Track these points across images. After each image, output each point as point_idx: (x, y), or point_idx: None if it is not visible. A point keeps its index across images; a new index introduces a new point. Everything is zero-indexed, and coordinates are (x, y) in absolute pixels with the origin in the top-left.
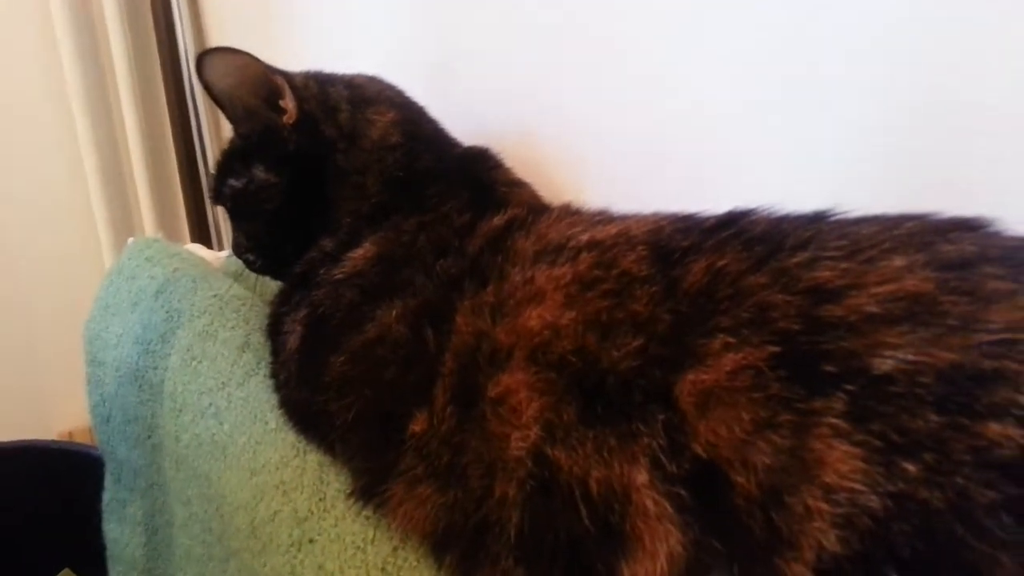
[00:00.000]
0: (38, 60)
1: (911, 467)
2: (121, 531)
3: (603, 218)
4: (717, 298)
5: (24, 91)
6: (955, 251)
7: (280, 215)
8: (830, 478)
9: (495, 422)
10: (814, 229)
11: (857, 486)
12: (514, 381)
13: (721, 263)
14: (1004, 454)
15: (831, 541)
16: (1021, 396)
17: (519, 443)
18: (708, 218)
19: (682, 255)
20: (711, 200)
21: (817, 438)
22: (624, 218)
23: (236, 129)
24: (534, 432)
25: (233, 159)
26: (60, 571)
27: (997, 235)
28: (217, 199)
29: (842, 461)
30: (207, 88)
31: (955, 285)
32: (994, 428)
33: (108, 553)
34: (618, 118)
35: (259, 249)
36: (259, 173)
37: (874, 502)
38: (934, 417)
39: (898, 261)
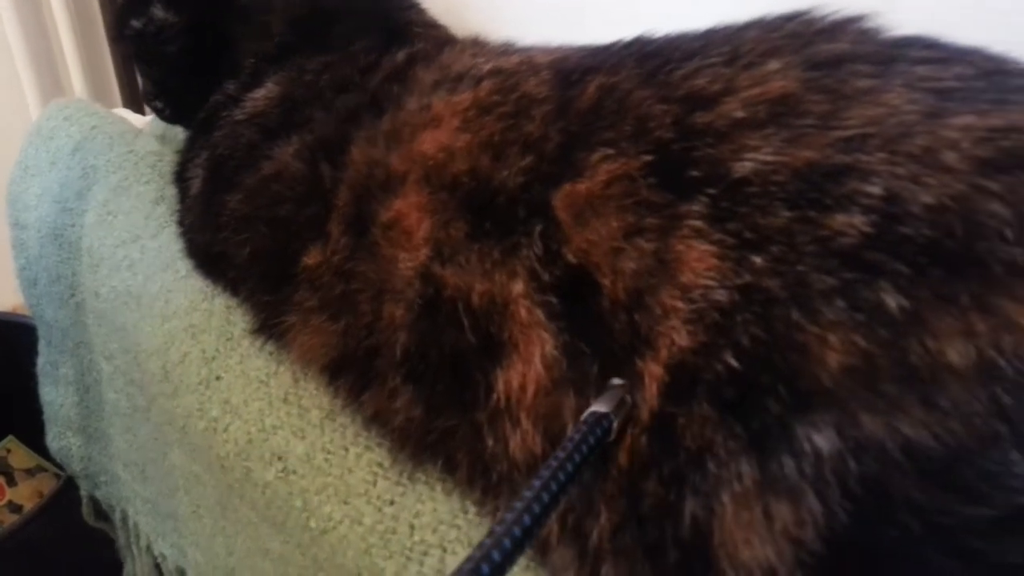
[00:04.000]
0: None
1: (758, 260)
2: (56, 393)
3: (508, 49)
4: (603, 114)
5: None
6: (828, 50)
7: (183, 57)
8: (687, 277)
9: (385, 246)
10: (704, 39)
11: (709, 283)
12: (406, 204)
13: (613, 80)
14: (845, 242)
15: (681, 336)
16: (868, 186)
17: (408, 264)
18: (615, 43)
19: (582, 75)
20: None
21: (679, 240)
22: (530, 49)
23: None
24: (423, 252)
25: None
26: (4, 439)
27: (874, 32)
28: (118, 40)
29: (699, 260)
30: None
31: (821, 84)
32: (839, 219)
33: (45, 415)
34: None
35: (166, 96)
36: (158, 12)
37: (722, 296)
38: (785, 213)
39: (773, 64)
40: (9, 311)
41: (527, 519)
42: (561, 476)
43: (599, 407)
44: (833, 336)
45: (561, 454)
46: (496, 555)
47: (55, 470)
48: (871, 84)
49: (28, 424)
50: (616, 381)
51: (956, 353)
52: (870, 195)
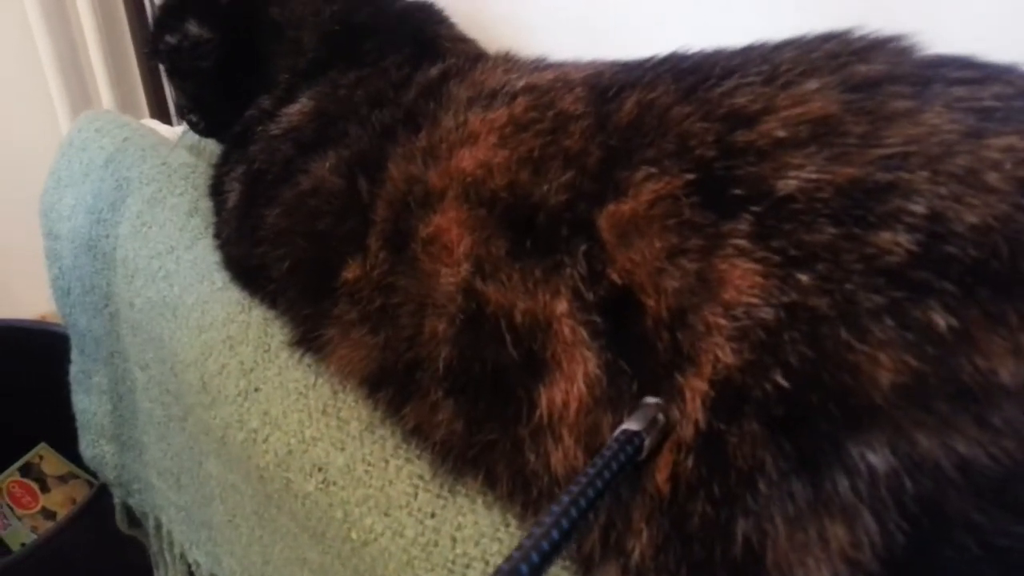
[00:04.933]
0: None
1: (804, 277)
2: (88, 401)
3: (540, 65)
4: (644, 131)
5: None
6: (866, 72)
7: (217, 73)
8: (730, 295)
9: (426, 260)
10: (741, 57)
11: (754, 300)
12: (446, 220)
13: (652, 96)
14: (892, 260)
15: (725, 353)
16: (912, 204)
17: (450, 279)
18: (648, 58)
19: (618, 91)
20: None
21: (722, 259)
22: (562, 64)
23: None
24: (464, 268)
25: (167, 14)
26: (36, 446)
27: (910, 52)
28: (153, 56)
29: (742, 278)
30: None
31: (860, 106)
32: (885, 237)
33: (78, 423)
34: None
35: (200, 110)
36: (192, 29)
37: (768, 314)
38: (830, 230)
39: (812, 84)
40: (39, 319)
41: (555, 534)
42: (590, 492)
43: (631, 425)
44: (884, 355)
45: (591, 471)
46: (524, 569)
47: (87, 477)
48: (910, 105)
49: (60, 431)
50: (649, 400)
51: (1007, 372)
52: (914, 213)
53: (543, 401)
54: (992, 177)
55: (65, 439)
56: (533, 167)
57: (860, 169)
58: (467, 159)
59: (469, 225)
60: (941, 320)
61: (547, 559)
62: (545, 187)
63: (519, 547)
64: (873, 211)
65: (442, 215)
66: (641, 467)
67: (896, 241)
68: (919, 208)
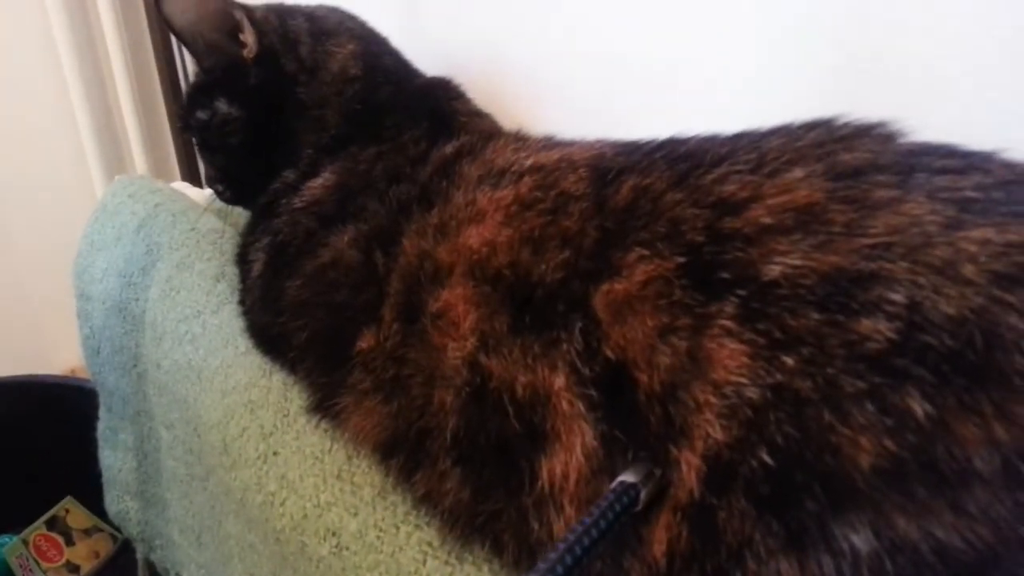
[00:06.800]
0: (24, 5)
1: (789, 360)
2: (115, 457)
3: (548, 144)
4: (638, 214)
5: (10, 39)
6: (850, 160)
7: (244, 148)
8: (718, 374)
9: (435, 335)
10: (731, 145)
11: (741, 380)
12: (453, 296)
13: (647, 181)
14: (872, 347)
15: (715, 430)
16: (892, 293)
17: (456, 353)
18: (648, 142)
19: (617, 174)
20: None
21: (710, 339)
22: (569, 144)
23: (199, 63)
24: (470, 342)
25: (198, 92)
26: (63, 499)
27: (893, 141)
28: (185, 130)
29: (730, 358)
30: (168, 24)
31: (844, 194)
32: (866, 324)
33: (104, 479)
34: (581, 50)
35: (227, 180)
36: (222, 106)
37: (755, 393)
38: (814, 315)
39: (797, 172)
40: (68, 373)
41: None
42: (586, 540)
43: (627, 477)
44: (864, 439)
45: (587, 520)
46: None
47: (111, 530)
48: (893, 194)
49: (85, 485)
50: (645, 454)
51: (981, 460)
52: (894, 302)
53: (544, 472)
54: (968, 269)
55: (90, 492)
56: (533, 246)
57: (844, 257)
58: (474, 237)
59: (475, 301)
60: (918, 407)
61: None
62: (543, 266)
63: None
64: (856, 299)
65: (450, 290)
66: (640, 530)
67: (877, 328)
68: (899, 297)
